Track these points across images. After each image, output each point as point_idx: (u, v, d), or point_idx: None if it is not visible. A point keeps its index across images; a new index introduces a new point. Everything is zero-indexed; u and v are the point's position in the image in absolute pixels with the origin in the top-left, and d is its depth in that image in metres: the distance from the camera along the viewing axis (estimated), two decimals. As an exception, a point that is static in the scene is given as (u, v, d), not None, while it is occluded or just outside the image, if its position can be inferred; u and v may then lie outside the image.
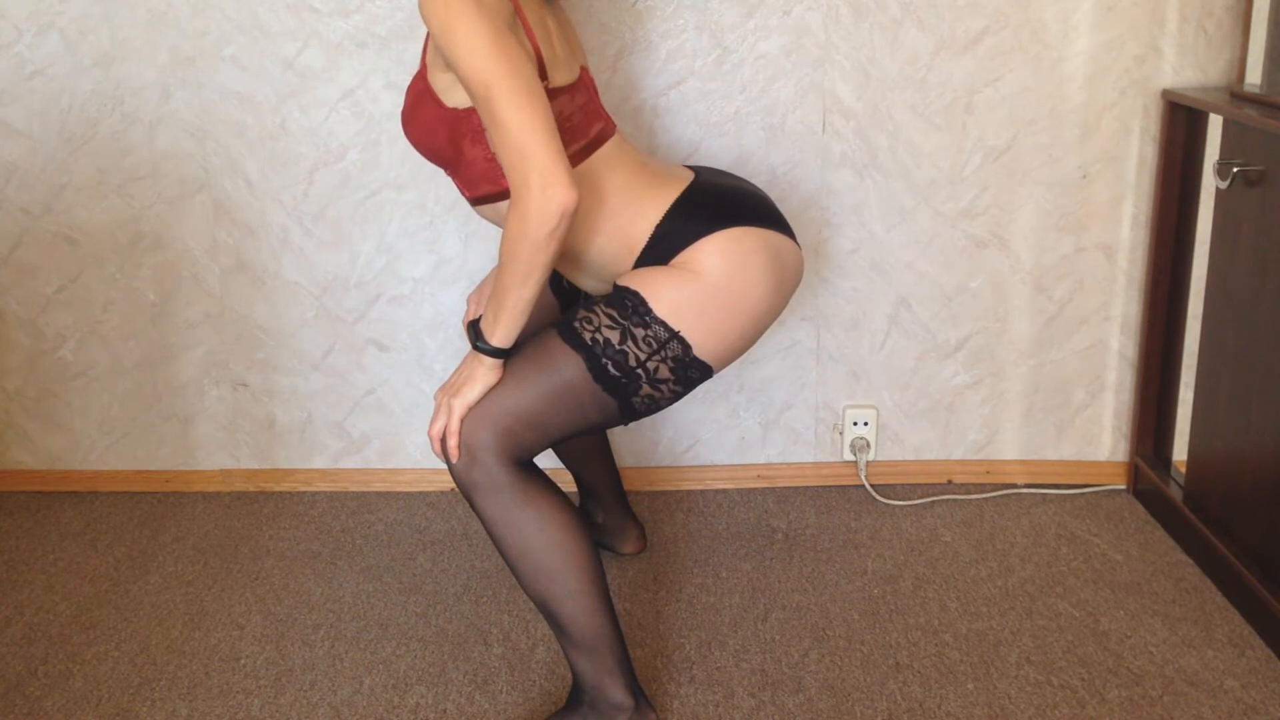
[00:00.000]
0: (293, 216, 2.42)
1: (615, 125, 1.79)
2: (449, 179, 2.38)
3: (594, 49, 2.30)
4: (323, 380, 2.53)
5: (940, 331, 2.48)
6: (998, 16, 2.28)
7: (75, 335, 2.51)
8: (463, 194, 1.77)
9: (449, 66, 1.59)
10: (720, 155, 2.35)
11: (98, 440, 2.58)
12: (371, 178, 2.39)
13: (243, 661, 2.00)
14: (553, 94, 1.64)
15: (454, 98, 1.64)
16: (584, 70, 1.77)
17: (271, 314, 2.49)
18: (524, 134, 1.51)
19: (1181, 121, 2.28)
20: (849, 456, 2.55)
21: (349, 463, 2.59)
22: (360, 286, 2.46)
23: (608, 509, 2.28)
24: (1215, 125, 2.20)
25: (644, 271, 1.70)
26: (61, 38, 2.33)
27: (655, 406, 1.72)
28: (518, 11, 1.60)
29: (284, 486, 2.59)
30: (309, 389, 2.53)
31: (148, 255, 2.46)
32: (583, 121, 1.71)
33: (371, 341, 2.50)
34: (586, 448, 2.21)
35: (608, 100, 2.32)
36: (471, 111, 1.64)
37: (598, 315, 1.68)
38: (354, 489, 2.58)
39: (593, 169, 1.71)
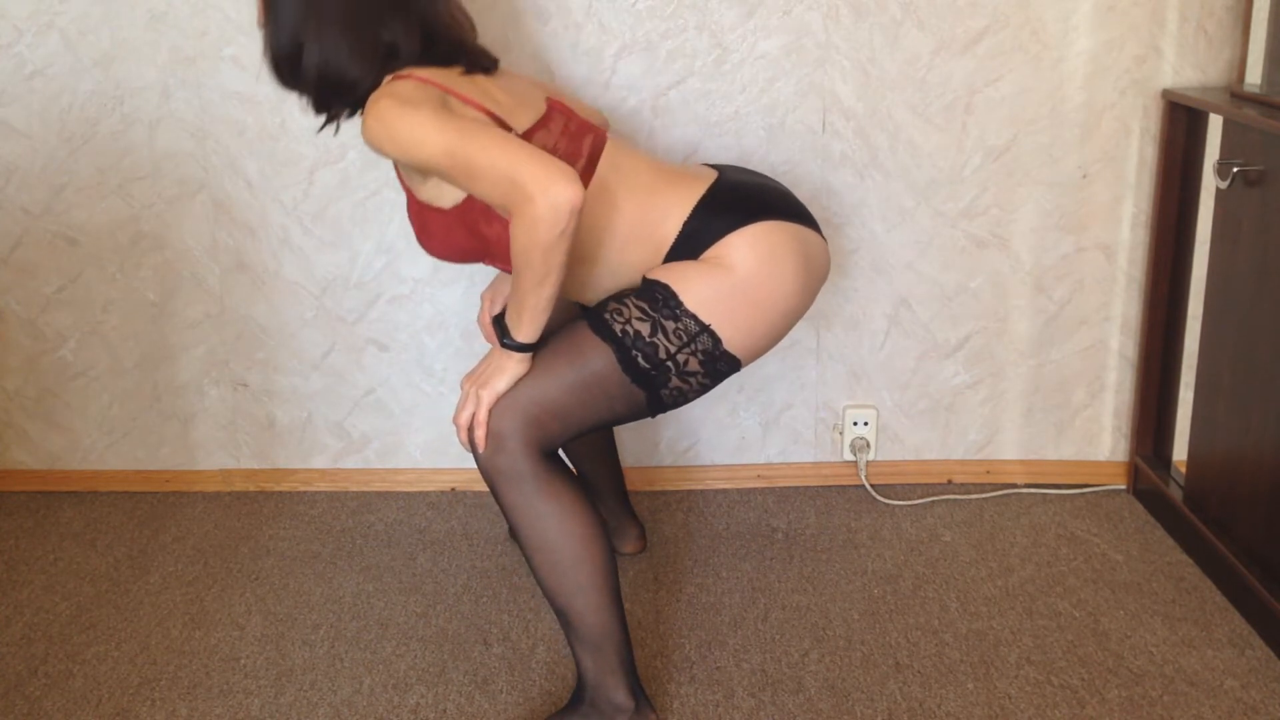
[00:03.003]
0: (293, 216, 2.42)
1: (606, 127, 1.79)
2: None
3: (594, 49, 2.30)
4: (323, 380, 2.53)
5: (940, 331, 2.47)
6: (998, 16, 2.28)
7: (75, 335, 2.51)
8: (503, 271, 1.79)
9: (418, 169, 1.62)
10: (720, 155, 2.35)
11: (98, 440, 2.58)
12: (371, 178, 2.39)
13: (243, 661, 2.00)
14: (525, 136, 1.65)
15: (448, 197, 1.66)
16: (549, 99, 1.77)
17: (271, 314, 2.49)
18: (503, 161, 1.53)
19: (1181, 121, 2.28)
20: (849, 456, 2.55)
21: (349, 463, 2.59)
22: (360, 286, 2.46)
23: (609, 508, 2.28)
24: (1215, 125, 2.20)
25: (674, 265, 1.71)
26: (61, 38, 2.33)
27: (683, 399, 1.72)
28: (448, 92, 1.62)
29: (284, 486, 2.59)
30: (309, 389, 2.53)
31: (148, 255, 2.46)
32: (569, 145, 1.71)
33: (371, 341, 2.50)
34: (593, 445, 2.21)
35: (607, 100, 2.32)
36: (469, 200, 1.65)
37: (628, 307, 1.68)
38: (354, 489, 2.58)
39: (604, 181, 1.71)
